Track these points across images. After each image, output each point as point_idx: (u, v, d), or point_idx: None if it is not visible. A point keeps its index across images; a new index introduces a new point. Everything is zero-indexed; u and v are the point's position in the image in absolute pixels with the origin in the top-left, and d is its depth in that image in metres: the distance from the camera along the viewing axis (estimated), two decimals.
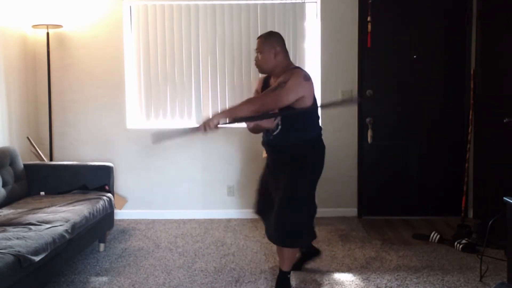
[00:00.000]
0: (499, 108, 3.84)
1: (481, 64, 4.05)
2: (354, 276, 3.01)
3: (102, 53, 4.27)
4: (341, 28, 4.21)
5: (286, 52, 2.69)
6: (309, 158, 2.66)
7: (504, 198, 2.61)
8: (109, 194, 3.50)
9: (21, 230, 2.57)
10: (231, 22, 4.26)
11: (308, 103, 2.55)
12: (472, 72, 4.08)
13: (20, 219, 2.77)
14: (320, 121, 2.82)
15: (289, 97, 2.47)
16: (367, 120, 4.25)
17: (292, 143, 2.63)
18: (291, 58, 4.23)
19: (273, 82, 2.69)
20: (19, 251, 2.26)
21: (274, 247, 3.51)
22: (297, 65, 4.28)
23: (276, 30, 4.19)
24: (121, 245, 3.61)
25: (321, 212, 4.26)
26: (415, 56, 4.25)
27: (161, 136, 3.46)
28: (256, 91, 2.88)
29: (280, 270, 2.78)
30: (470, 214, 4.23)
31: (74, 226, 2.80)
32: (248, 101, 2.51)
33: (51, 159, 4.20)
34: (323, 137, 4.28)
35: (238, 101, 4.40)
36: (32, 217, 2.81)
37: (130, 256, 3.38)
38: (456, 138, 4.27)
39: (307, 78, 2.55)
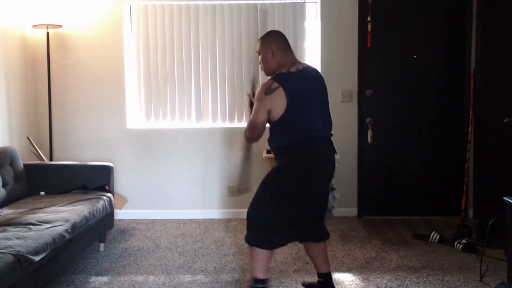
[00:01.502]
0: (499, 108, 3.85)
1: (481, 64, 4.05)
2: (354, 276, 3.01)
3: (102, 53, 4.27)
4: (341, 28, 4.21)
5: (284, 50, 2.54)
6: (278, 166, 2.54)
7: (504, 198, 2.61)
8: (109, 194, 3.50)
9: (21, 230, 2.57)
10: (231, 22, 4.26)
11: (275, 115, 2.42)
12: (472, 72, 4.08)
13: (20, 219, 2.77)
14: (300, 130, 2.49)
15: (258, 118, 2.44)
16: (367, 120, 4.25)
17: (270, 147, 2.60)
18: None
19: None
20: (19, 251, 2.26)
21: None
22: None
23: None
24: (121, 245, 3.61)
25: None
26: (415, 56, 4.25)
27: (245, 182, 2.95)
28: None
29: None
30: (470, 214, 4.23)
31: (74, 226, 2.80)
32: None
33: (51, 159, 4.20)
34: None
35: (237, 100, 4.41)
36: (32, 217, 2.80)
37: (130, 256, 3.37)
38: (456, 138, 4.27)
39: (269, 91, 2.40)
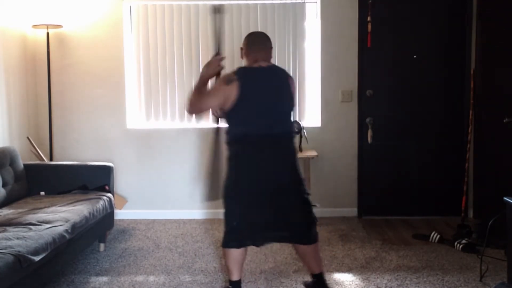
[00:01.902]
0: (499, 108, 3.85)
1: (481, 64, 4.05)
2: (354, 276, 3.01)
3: (102, 53, 4.27)
4: (341, 28, 4.21)
5: (250, 49, 2.65)
6: (227, 163, 2.58)
7: (504, 198, 2.61)
8: (109, 194, 3.50)
9: (21, 230, 2.57)
10: (231, 22, 4.26)
11: (227, 107, 2.46)
12: (472, 72, 4.08)
13: (20, 219, 2.77)
14: (246, 125, 2.50)
15: (209, 102, 2.51)
16: (367, 120, 4.25)
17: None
18: (291, 58, 4.28)
19: None
20: (19, 251, 2.26)
21: (274, 246, 3.52)
22: (296, 65, 4.31)
23: (276, 30, 4.24)
24: (121, 245, 3.61)
25: (321, 212, 4.29)
26: (415, 56, 4.25)
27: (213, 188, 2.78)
28: None
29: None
30: (470, 214, 4.23)
31: (74, 226, 2.80)
32: (194, 93, 2.54)
33: (51, 159, 4.20)
34: (324, 136, 4.22)
35: None
36: (32, 217, 2.80)
37: (130, 256, 3.38)
38: (456, 138, 4.27)
39: (229, 81, 2.46)
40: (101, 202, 3.29)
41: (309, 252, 2.61)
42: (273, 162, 2.49)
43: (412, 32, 4.24)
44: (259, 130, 2.47)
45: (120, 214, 4.29)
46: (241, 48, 2.70)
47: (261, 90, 2.48)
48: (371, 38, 4.14)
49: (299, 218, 2.56)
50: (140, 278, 2.99)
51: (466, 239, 3.46)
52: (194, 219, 4.31)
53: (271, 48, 2.67)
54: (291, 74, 4.27)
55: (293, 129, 2.61)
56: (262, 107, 2.48)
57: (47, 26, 4.01)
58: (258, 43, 2.66)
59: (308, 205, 2.59)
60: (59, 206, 3.08)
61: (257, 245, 2.70)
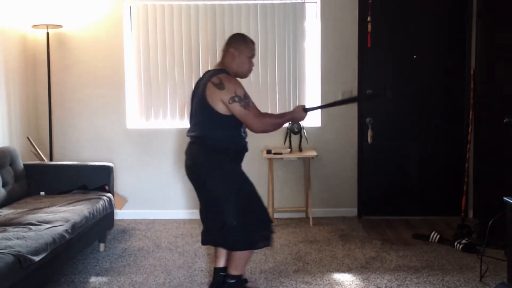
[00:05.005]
0: (499, 108, 3.85)
1: (481, 64, 4.05)
2: (354, 276, 3.01)
3: (102, 53, 4.27)
4: (341, 28, 4.21)
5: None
6: None
7: (504, 198, 2.61)
8: (109, 194, 3.50)
9: (21, 230, 2.58)
10: (231, 22, 4.26)
11: None
12: (472, 72, 4.08)
13: (20, 219, 2.77)
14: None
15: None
16: (367, 120, 4.25)
17: None
18: (291, 58, 4.30)
19: None
20: (19, 251, 2.26)
21: (274, 246, 3.51)
22: (296, 65, 4.32)
23: (276, 30, 4.25)
24: (121, 245, 3.61)
25: (321, 212, 4.31)
26: (415, 56, 4.25)
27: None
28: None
29: (239, 275, 2.66)
30: (470, 214, 4.23)
31: (74, 226, 2.80)
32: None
33: (51, 159, 4.20)
34: (324, 136, 4.21)
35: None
36: (32, 217, 2.81)
37: (130, 256, 3.38)
38: (456, 138, 4.27)
39: None
40: (101, 202, 3.29)
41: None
42: (188, 161, 2.63)
43: (412, 32, 4.24)
44: (187, 132, 2.66)
45: (120, 214, 4.29)
46: None
47: (193, 97, 2.68)
48: (371, 38, 4.13)
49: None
50: (140, 278, 2.99)
51: (466, 239, 3.46)
52: (194, 219, 4.30)
53: (225, 50, 2.64)
54: (291, 74, 4.30)
55: (207, 133, 2.54)
56: (192, 112, 2.67)
57: (47, 26, 4.01)
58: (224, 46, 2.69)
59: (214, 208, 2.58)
60: (59, 206, 3.09)
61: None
